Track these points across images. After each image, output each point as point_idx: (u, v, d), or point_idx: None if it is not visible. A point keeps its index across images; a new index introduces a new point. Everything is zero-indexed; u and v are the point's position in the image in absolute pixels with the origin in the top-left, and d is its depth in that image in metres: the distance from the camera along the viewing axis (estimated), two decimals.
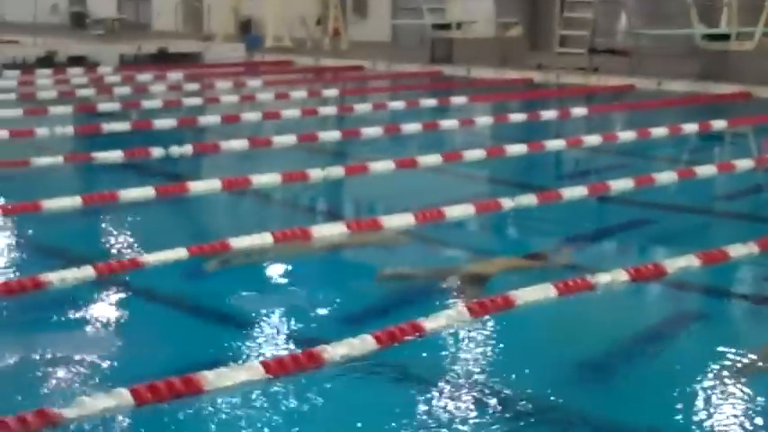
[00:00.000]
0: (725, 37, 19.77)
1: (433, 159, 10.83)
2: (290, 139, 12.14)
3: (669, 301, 6.88)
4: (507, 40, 23.62)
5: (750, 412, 4.79)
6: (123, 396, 4.59)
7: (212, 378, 4.80)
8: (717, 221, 9.12)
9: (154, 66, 21.04)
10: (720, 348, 5.58)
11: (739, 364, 5.35)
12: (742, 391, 5.03)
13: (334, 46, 26.25)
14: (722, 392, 5.01)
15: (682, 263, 6.88)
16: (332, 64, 23.26)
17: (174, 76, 19.22)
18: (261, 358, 5.21)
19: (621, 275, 6.51)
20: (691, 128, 13.35)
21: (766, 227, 8.54)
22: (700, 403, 4.89)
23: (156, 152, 10.85)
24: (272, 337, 5.77)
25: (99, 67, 20.55)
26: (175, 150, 11.11)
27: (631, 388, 5.17)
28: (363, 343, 5.26)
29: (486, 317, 5.80)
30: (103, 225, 8.54)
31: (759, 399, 4.96)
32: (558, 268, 7.08)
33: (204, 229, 8.60)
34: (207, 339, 5.82)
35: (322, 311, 6.22)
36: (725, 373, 5.25)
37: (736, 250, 7.24)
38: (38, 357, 5.38)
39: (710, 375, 5.22)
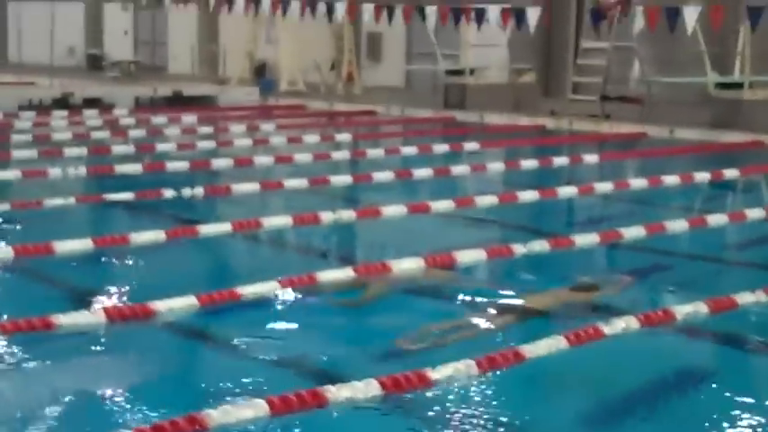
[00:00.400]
0: (738, 85, 19.82)
1: (444, 205, 10.86)
2: (301, 183, 12.19)
3: (680, 348, 6.84)
4: (520, 86, 23.72)
5: None
6: None
7: (216, 416, 4.80)
8: (727, 270, 9.08)
9: (168, 108, 21.17)
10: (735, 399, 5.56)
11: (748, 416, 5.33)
12: None
13: (348, 90, 26.40)
14: None
15: (689, 309, 6.87)
16: (345, 108, 23.39)
17: (189, 119, 19.33)
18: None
19: (633, 323, 6.47)
20: (702, 176, 13.35)
21: None
22: None
23: (168, 194, 10.92)
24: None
25: (114, 110, 20.70)
26: (187, 192, 11.16)
27: None
28: (368, 387, 5.25)
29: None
30: (114, 268, 8.56)
31: None
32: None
33: (214, 274, 8.61)
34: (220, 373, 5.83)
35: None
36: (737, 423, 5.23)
37: (744, 298, 7.23)
38: (40, 397, 5.38)
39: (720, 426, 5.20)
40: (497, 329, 6.83)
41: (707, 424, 5.33)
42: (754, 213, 10.88)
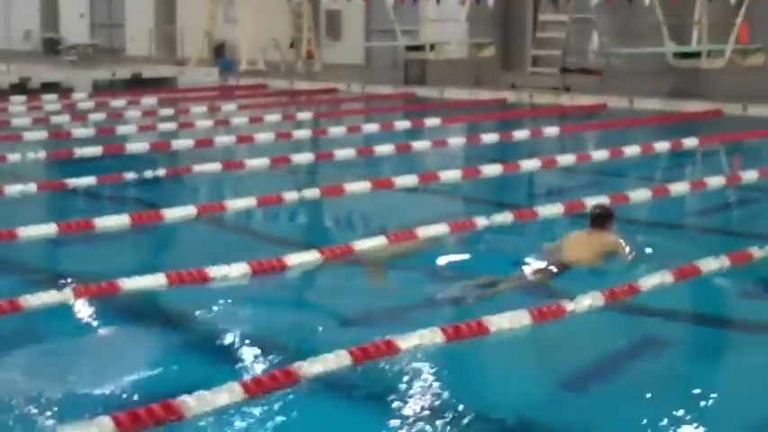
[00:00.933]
0: (696, 55, 19.95)
1: (408, 180, 10.90)
2: (263, 162, 12.18)
3: (642, 320, 6.90)
4: (480, 60, 23.74)
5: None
6: (104, 424, 4.59)
7: (192, 403, 4.80)
8: (691, 237, 9.15)
9: (128, 91, 21.03)
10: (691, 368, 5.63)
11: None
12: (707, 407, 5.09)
13: (308, 69, 26.31)
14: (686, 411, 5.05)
15: (656, 280, 6.93)
16: (306, 87, 23.33)
17: (149, 101, 19.22)
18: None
19: (598, 299, 6.53)
20: (662, 146, 13.47)
21: (739, 240, 8.58)
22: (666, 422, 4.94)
23: (130, 176, 10.89)
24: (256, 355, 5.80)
25: (73, 94, 20.53)
26: (149, 174, 11.13)
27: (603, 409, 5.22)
28: (339, 358, 5.29)
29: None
30: (81, 251, 8.53)
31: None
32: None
33: (181, 256, 8.58)
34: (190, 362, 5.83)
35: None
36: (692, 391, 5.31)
37: (709, 265, 7.32)
38: (16, 383, 5.37)
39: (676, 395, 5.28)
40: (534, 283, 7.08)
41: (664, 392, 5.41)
42: (714, 181, 11.03)
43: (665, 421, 4.89)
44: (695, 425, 4.90)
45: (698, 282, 7.19)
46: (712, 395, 5.30)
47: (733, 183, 11.16)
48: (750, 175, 11.27)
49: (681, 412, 5.00)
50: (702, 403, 5.21)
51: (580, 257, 7.45)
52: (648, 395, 5.29)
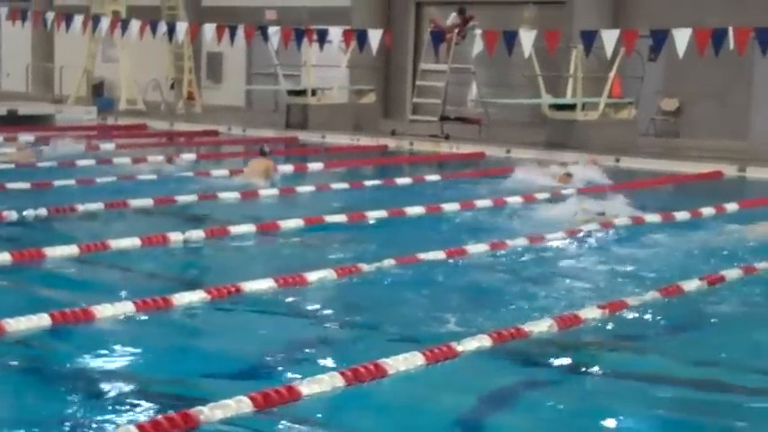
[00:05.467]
0: (570, 107, 20.55)
1: (293, 224, 10.99)
2: (147, 203, 12.12)
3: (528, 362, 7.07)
4: (361, 107, 24.02)
5: None
6: None
7: None
8: (572, 284, 9.37)
9: (3, 128, 20.59)
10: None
11: None
12: None
13: (189, 110, 26.22)
14: None
15: (543, 326, 7.15)
16: (186, 128, 23.22)
17: (25, 138, 18.87)
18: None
19: (485, 341, 6.70)
20: (541, 195, 13.82)
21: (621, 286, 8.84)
22: None
23: (10, 215, 10.71)
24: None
25: None
26: (30, 213, 10.96)
27: None
28: (240, 405, 5.30)
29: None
30: None
31: None
32: None
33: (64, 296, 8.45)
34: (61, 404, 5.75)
35: None
36: None
37: (586, 313, 7.59)
38: None
39: None
40: None
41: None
42: (590, 228, 11.39)
43: None
44: None
45: (579, 330, 7.41)
46: None
47: (607, 228, 11.50)
48: (623, 225, 11.69)
49: None
50: None
51: None
52: None
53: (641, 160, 18.49)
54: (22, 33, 31.15)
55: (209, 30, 23.26)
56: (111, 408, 5.64)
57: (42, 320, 6.91)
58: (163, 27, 23.87)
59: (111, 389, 5.98)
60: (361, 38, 22.48)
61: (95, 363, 6.47)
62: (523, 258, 10.06)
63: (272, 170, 14.79)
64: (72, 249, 9.27)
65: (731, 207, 13.42)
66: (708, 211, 12.90)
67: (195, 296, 7.78)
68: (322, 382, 5.71)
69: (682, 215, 12.50)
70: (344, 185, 14.75)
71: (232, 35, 22.79)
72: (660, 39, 18.94)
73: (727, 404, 6.17)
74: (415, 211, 12.23)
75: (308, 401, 5.57)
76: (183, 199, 12.62)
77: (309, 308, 8.11)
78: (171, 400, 5.64)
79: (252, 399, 5.34)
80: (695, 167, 17.96)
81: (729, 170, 17.83)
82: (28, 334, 6.76)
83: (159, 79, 27.45)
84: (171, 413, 5.11)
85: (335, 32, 22.84)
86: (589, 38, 19.65)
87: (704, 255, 10.38)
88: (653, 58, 21.62)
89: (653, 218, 12.20)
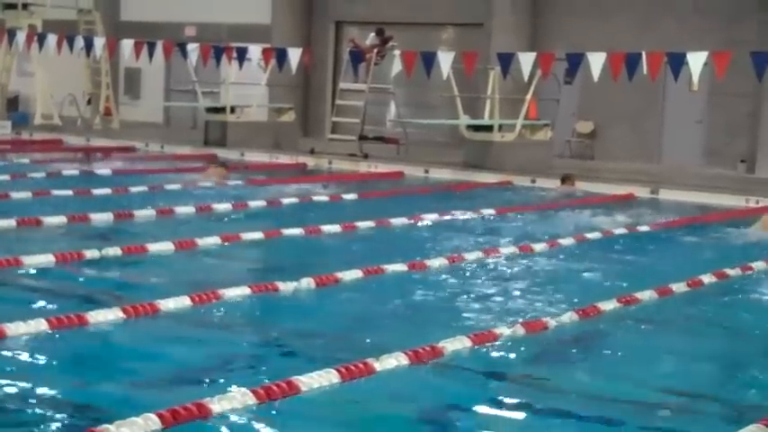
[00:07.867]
0: (488, 128, 20.78)
1: (212, 241, 10.95)
2: (61, 220, 11.97)
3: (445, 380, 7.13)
4: (280, 125, 24.04)
5: None
6: None
7: None
8: (491, 302, 9.46)
9: None
10: None
11: None
12: None
13: (106, 126, 25.97)
14: None
15: (457, 345, 7.22)
16: (103, 144, 22.99)
17: None
18: None
19: (402, 359, 6.75)
20: (460, 214, 13.99)
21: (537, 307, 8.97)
22: None
23: None
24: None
25: None
26: None
27: None
28: (147, 422, 5.26)
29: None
30: None
31: None
32: None
33: None
34: None
35: None
36: None
37: (504, 332, 7.68)
38: None
39: None
40: None
41: None
42: (508, 249, 11.54)
43: None
44: None
45: (494, 346, 7.49)
46: None
47: (525, 251, 11.65)
48: (540, 247, 11.86)
49: None
50: None
51: None
52: None
53: (556, 182, 18.76)
54: None
55: (126, 45, 23.07)
56: (15, 428, 5.56)
57: None
58: (80, 42, 23.62)
59: (17, 408, 5.89)
60: (281, 56, 22.49)
61: (3, 380, 6.36)
62: (443, 277, 10.15)
63: (227, 175, 17.20)
64: None
65: (643, 228, 13.74)
66: (620, 231, 13.19)
67: (111, 314, 7.70)
68: (233, 400, 5.70)
69: (594, 235, 12.75)
70: (262, 203, 14.74)
71: (150, 51, 22.64)
72: (575, 62, 19.27)
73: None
74: (330, 229, 12.28)
75: (218, 419, 5.56)
76: (98, 217, 12.47)
77: (224, 324, 8.08)
78: (78, 420, 5.58)
79: (160, 416, 5.30)
80: (609, 189, 18.31)
81: (642, 192, 18.20)
82: None
83: (76, 94, 27.15)
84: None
85: (255, 50, 22.84)
86: (506, 60, 19.93)
87: (619, 275, 10.61)
88: (569, 81, 21.98)
89: (566, 241, 12.40)
